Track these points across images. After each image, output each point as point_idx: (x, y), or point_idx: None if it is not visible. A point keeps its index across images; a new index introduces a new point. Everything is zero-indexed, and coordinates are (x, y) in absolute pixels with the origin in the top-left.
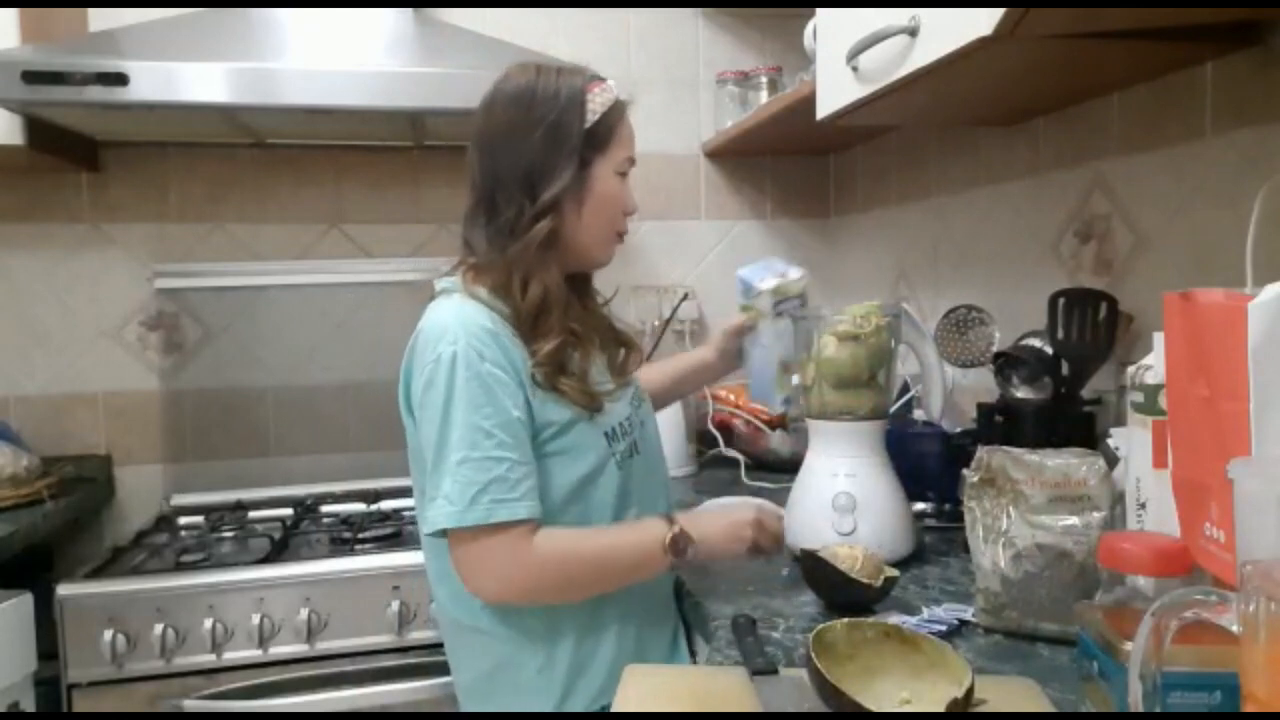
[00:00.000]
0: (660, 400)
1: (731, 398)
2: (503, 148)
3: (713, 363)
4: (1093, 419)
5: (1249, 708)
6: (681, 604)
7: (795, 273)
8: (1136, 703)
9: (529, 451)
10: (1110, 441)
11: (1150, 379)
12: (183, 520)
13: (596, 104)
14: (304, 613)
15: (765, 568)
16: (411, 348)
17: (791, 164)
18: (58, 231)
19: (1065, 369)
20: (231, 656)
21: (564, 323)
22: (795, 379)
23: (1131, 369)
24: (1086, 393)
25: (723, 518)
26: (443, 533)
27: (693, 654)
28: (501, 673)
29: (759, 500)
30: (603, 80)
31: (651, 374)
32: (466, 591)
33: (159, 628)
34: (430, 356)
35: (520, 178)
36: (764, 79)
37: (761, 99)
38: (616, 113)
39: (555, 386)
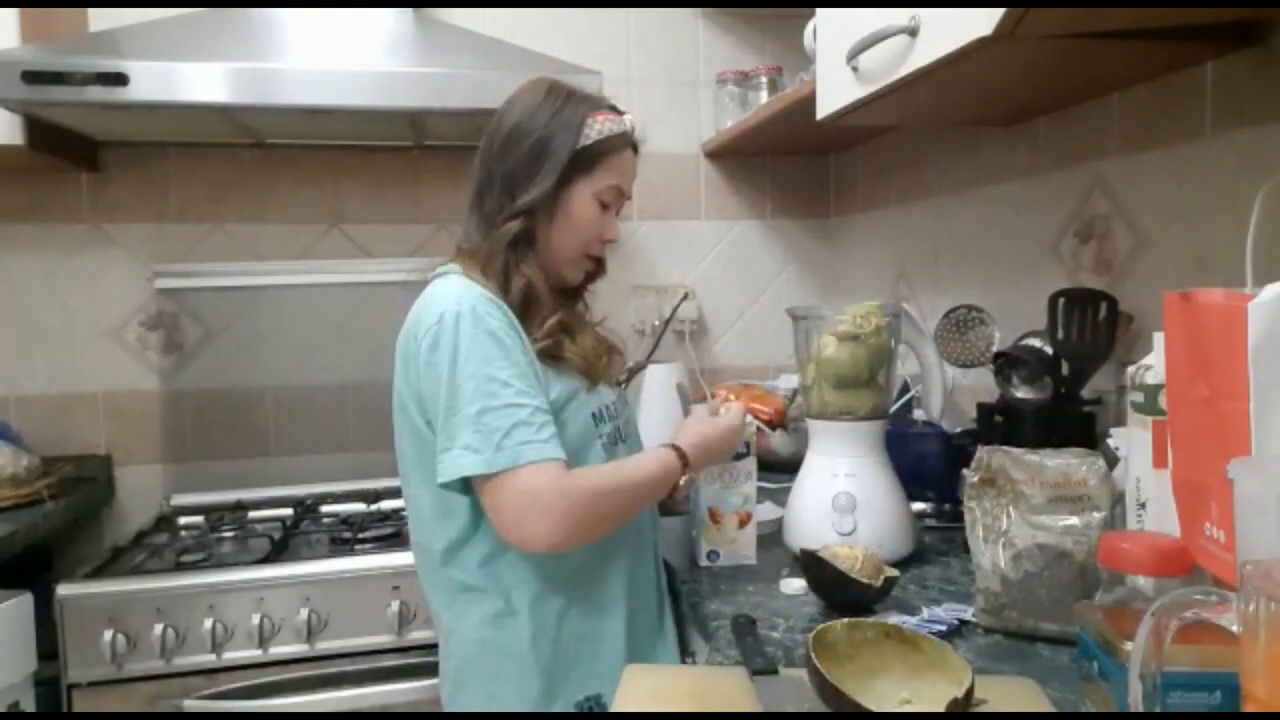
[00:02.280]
0: None
1: (731, 398)
2: (499, 151)
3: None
4: (1093, 419)
5: (1249, 708)
6: (679, 603)
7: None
8: (1136, 703)
9: (546, 401)
10: (1110, 441)
11: (1150, 379)
12: (183, 520)
13: (594, 130)
14: (304, 613)
15: (765, 568)
16: (411, 320)
17: (791, 164)
18: (58, 231)
19: (1065, 369)
20: (231, 656)
21: (554, 308)
22: (725, 529)
23: (1131, 369)
24: (1086, 393)
25: (721, 426)
26: (462, 487)
27: (692, 654)
28: (485, 657)
29: (737, 407)
30: (619, 114)
31: None
32: (456, 597)
33: (159, 628)
34: (433, 319)
35: (505, 181)
36: (764, 79)
37: (761, 99)
38: (615, 143)
39: (560, 354)
